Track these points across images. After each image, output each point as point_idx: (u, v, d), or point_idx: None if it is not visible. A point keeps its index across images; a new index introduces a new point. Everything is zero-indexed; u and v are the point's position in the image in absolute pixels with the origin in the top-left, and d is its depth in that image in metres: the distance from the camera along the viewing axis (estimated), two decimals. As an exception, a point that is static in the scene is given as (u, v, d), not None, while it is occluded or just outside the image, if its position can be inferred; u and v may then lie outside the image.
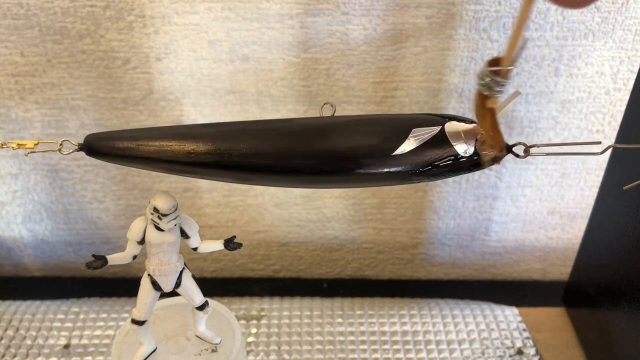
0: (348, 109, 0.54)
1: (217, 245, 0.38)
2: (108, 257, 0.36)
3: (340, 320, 0.53)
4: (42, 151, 0.32)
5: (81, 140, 0.33)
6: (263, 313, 0.54)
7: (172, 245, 0.36)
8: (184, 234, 0.37)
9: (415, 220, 0.61)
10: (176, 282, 0.37)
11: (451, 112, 0.54)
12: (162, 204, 0.34)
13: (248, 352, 0.49)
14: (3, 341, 0.49)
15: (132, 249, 0.36)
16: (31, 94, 0.52)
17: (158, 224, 0.35)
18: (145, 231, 0.36)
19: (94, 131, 0.34)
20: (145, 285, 0.37)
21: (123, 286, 0.58)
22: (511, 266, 0.65)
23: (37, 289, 0.60)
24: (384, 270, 0.65)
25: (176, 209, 0.35)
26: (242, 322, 0.52)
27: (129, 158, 0.32)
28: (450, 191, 0.59)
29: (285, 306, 0.54)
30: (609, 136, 0.56)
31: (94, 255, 0.36)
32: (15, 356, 0.48)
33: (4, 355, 0.48)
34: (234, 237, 0.38)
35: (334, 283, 0.62)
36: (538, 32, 0.50)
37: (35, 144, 0.32)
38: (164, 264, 0.36)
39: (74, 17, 0.49)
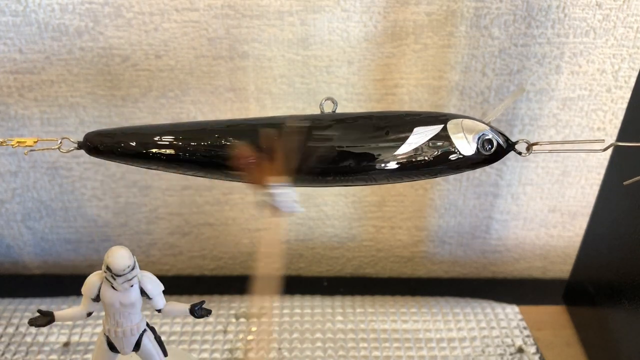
0: (348, 107, 0.53)
1: (183, 309, 0.35)
2: (57, 313, 0.33)
3: (340, 318, 0.53)
4: (42, 149, 0.32)
5: (80, 138, 0.33)
6: (263, 311, 0.53)
7: (130, 307, 0.33)
8: (145, 294, 0.33)
9: (416, 218, 0.61)
10: (136, 345, 0.34)
11: (452, 109, 0.54)
12: (115, 263, 0.31)
13: (248, 350, 0.49)
14: (3, 339, 0.49)
15: (86, 305, 0.33)
16: (30, 91, 0.52)
17: (112, 283, 0.32)
18: (100, 288, 0.32)
19: (94, 129, 0.34)
20: (100, 345, 0.34)
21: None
22: (512, 264, 0.65)
23: (36, 286, 0.60)
24: (384, 268, 0.65)
25: (133, 269, 0.32)
26: (243, 320, 0.52)
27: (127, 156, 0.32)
28: (451, 189, 0.59)
29: (285, 304, 0.54)
30: (611, 134, 0.55)
31: (39, 311, 0.33)
32: (15, 354, 0.48)
33: (4, 353, 0.48)
34: (203, 301, 0.35)
35: (334, 281, 0.62)
36: (539, 30, 0.50)
37: (35, 142, 0.32)
38: (120, 325, 0.33)
39: (73, 14, 0.49)
